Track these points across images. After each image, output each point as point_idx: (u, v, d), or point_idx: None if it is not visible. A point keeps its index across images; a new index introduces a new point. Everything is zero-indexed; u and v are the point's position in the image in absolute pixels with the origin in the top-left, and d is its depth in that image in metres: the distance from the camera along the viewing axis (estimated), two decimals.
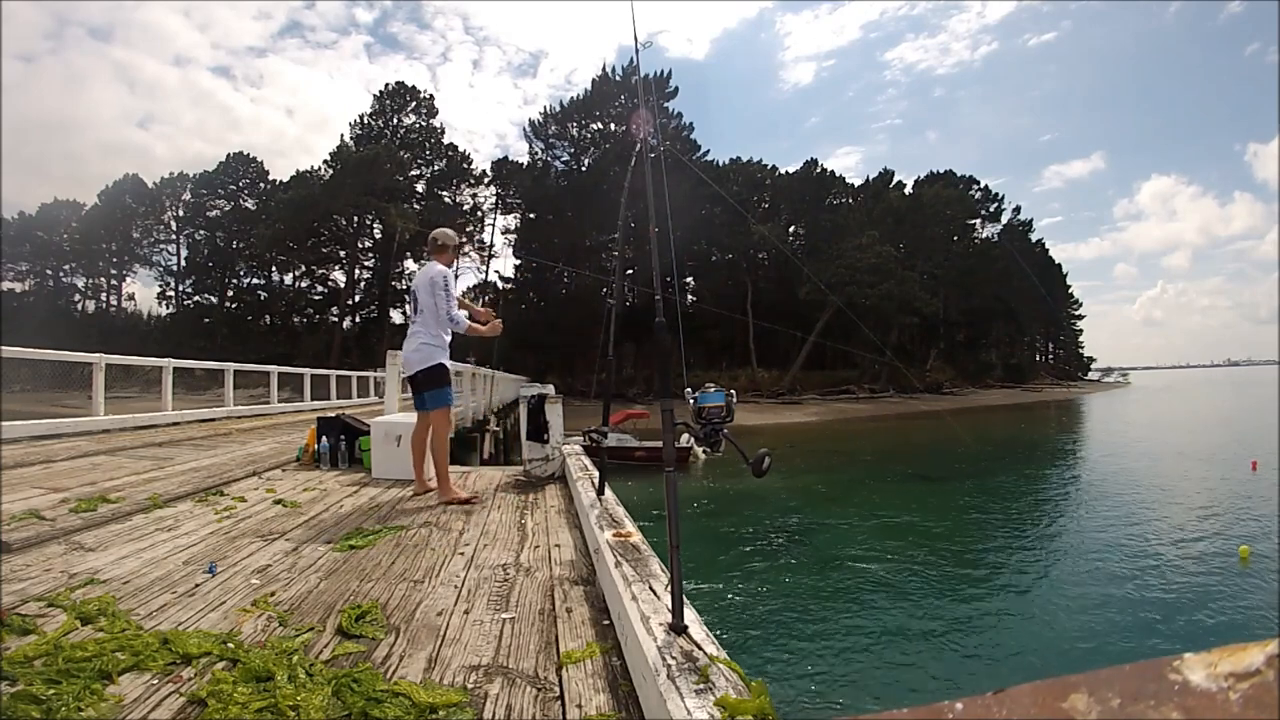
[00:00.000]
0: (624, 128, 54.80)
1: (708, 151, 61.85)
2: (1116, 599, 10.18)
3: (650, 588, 2.42)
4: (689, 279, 59.35)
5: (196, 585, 3.06)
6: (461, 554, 3.79)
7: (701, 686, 1.64)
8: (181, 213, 62.77)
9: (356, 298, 59.91)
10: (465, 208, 62.15)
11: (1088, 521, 15.31)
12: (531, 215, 59.88)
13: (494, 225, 63.40)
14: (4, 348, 9.17)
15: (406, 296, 57.36)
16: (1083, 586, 10.79)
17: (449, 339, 5.81)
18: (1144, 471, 22.02)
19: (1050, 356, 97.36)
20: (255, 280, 61.60)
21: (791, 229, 65.87)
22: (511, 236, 62.04)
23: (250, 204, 62.18)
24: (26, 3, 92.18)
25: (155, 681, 2.06)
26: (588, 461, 6.39)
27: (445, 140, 62.76)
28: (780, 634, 9.04)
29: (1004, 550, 13.25)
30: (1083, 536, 13.97)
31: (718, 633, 2.03)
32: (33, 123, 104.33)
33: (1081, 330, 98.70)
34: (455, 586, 3.18)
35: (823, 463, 25.37)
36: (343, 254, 59.78)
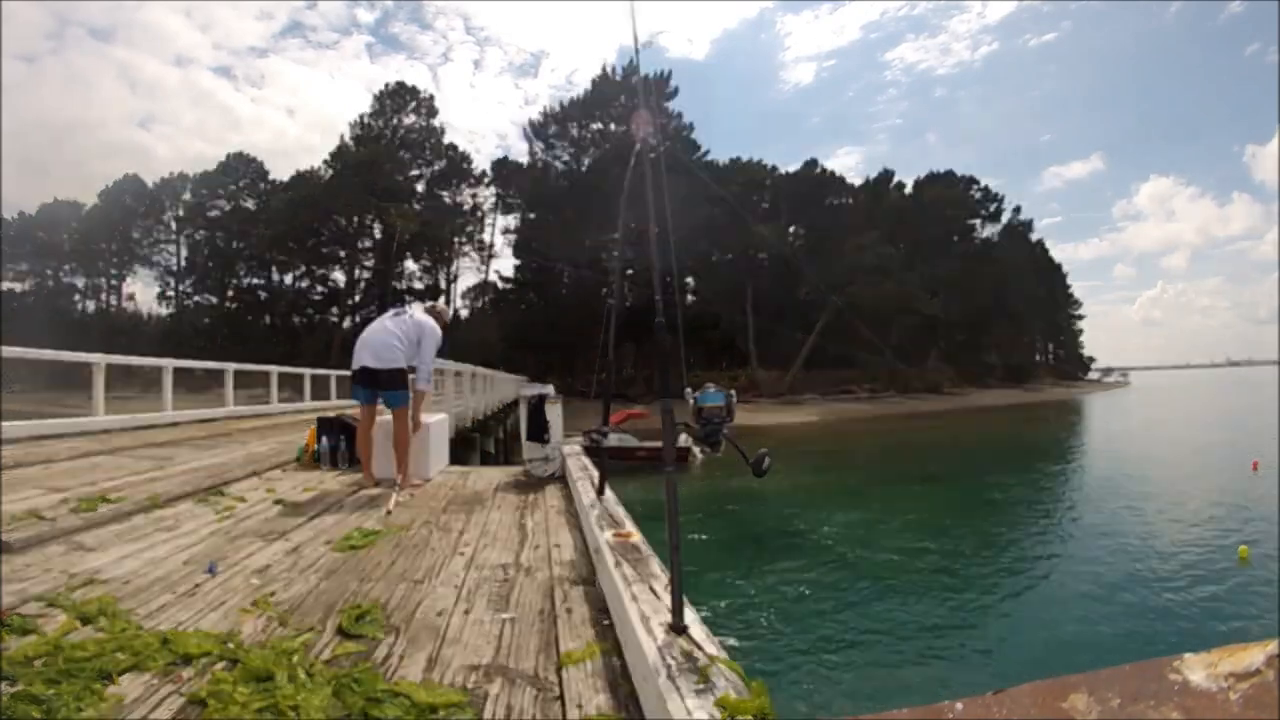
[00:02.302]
0: (624, 128, 54.79)
1: (708, 151, 61.94)
2: (1117, 599, 10.21)
3: (650, 588, 2.42)
4: (689, 279, 59.37)
5: (196, 585, 3.06)
6: (461, 554, 3.78)
7: (702, 687, 1.64)
8: (181, 213, 62.67)
9: (356, 298, 59.84)
10: (465, 207, 62.47)
11: (1087, 521, 15.36)
12: (531, 215, 59.92)
13: (494, 225, 63.61)
14: (4, 348, 9.18)
15: (407, 297, 58.78)
16: (1083, 586, 10.83)
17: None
18: (1143, 471, 22.07)
19: (1051, 357, 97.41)
20: (255, 280, 61.58)
21: (792, 229, 65.83)
22: (511, 236, 62.10)
23: (250, 204, 62.06)
24: (27, 2, 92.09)
25: (155, 681, 2.06)
26: (587, 461, 6.38)
27: (445, 140, 62.80)
28: (781, 634, 9.12)
29: (1004, 549, 13.34)
30: (1082, 536, 14.03)
31: (718, 633, 2.03)
32: (33, 123, 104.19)
33: (1081, 330, 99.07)
34: (455, 586, 3.18)
35: (824, 463, 25.42)
36: (343, 254, 59.75)
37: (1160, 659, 0.49)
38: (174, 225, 63.07)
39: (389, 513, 4.87)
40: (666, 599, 2.14)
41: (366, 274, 60.80)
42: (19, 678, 2.02)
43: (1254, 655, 0.47)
